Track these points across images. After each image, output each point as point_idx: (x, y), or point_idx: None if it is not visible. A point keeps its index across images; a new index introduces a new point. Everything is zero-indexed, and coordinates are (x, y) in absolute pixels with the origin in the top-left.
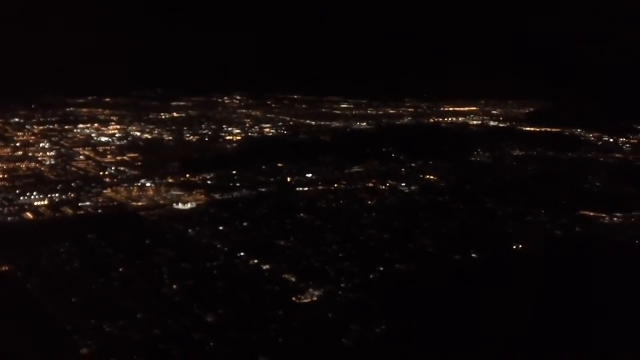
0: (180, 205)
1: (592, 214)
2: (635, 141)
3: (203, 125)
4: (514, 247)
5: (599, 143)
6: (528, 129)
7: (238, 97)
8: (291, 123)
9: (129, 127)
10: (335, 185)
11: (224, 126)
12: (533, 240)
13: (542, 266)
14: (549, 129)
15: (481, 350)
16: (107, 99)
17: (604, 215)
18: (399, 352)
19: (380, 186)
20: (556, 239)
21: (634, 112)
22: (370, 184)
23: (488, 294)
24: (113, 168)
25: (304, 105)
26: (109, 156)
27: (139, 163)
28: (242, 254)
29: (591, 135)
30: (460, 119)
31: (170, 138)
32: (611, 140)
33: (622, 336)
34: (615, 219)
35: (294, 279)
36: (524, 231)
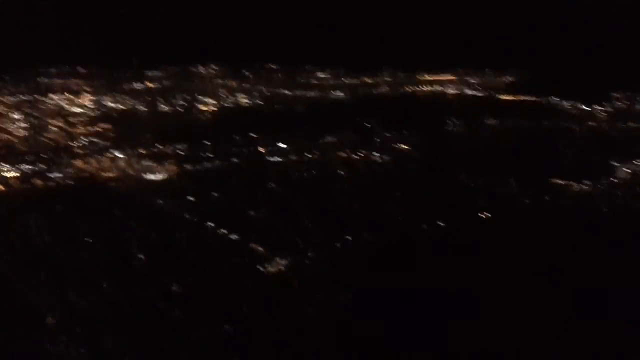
0: (150, 176)
1: (562, 182)
2: (611, 110)
3: (177, 96)
4: (482, 216)
5: (575, 112)
6: (505, 97)
7: (214, 67)
8: (267, 93)
9: (102, 98)
10: (308, 155)
11: (198, 96)
12: (501, 209)
13: (508, 235)
14: (525, 98)
15: (446, 318)
16: (81, 69)
17: (573, 183)
18: (361, 321)
19: (353, 156)
20: (524, 207)
21: (613, 78)
22: (343, 154)
23: (453, 264)
24: (85, 139)
25: (280, 75)
26: (80, 127)
27: (111, 134)
28: (210, 224)
29: (567, 103)
30: (437, 87)
31: (144, 109)
32: (588, 108)
33: (584, 307)
34: (585, 187)
35: (261, 249)
36: (492, 200)
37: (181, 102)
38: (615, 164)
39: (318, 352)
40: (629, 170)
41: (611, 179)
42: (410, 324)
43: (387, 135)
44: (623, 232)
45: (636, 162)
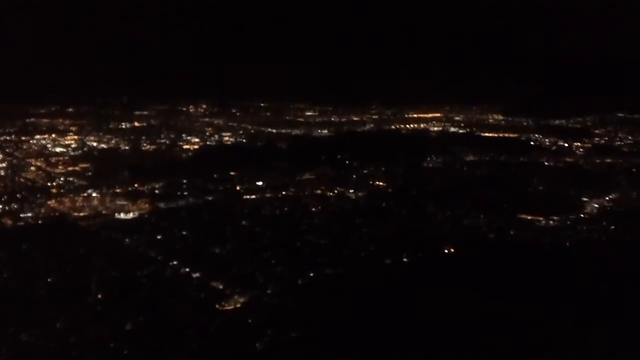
0: (122, 215)
1: (529, 217)
2: (589, 145)
3: (162, 134)
4: (446, 250)
5: (553, 148)
6: (486, 134)
7: (204, 106)
8: (252, 131)
9: (87, 137)
10: (283, 192)
11: (183, 135)
12: (466, 243)
13: (470, 268)
14: (506, 135)
15: (399, 353)
16: (70, 109)
17: (540, 218)
18: (309, 356)
19: (328, 193)
20: (488, 241)
21: (596, 116)
22: (319, 191)
23: (411, 296)
24: (62, 179)
25: (268, 113)
26: (60, 167)
27: (90, 173)
28: (174, 262)
29: (547, 139)
30: (422, 125)
31: (127, 148)
32: (566, 144)
33: (547, 333)
34: (552, 222)
35: (221, 286)
36: (458, 235)
37: (165, 141)
38: (585, 199)
39: None
40: (597, 205)
41: (580, 214)
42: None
43: (365, 171)
44: (584, 265)
45: (607, 198)
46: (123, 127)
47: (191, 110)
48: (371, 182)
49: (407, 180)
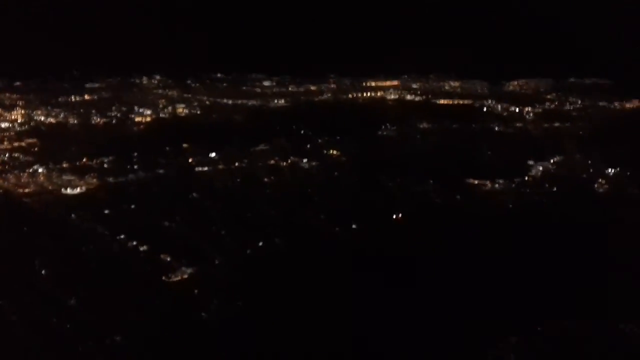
0: (69, 191)
1: (476, 182)
2: (539, 110)
3: (113, 108)
4: (394, 217)
5: (504, 114)
6: (441, 102)
7: (158, 77)
8: (207, 103)
9: (34, 112)
10: (237, 164)
11: (135, 108)
12: (413, 210)
13: (415, 234)
14: (461, 102)
15: (342, 322)
16: (17, 83)
17: (487, 182)
18: (255, 325)
19: (282, 163)
20: (435, 207)
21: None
22: (272, 162)
23: (359, 264)
24: (7, 155)
25: (225, 84)
26: (5, 142)
27: (36, 149)
28: (121, 236)
29: (499, 105)
30: (379, 93)
31: (76, 122)
32: (517, 110)
33: (486, 299)
34: (497, 185)
35: (168, 259)
36: (406, 202)
37: (116, 114)
38: (531, 162)
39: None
40: (541, 169)
41: (524, 177)
42: (313, 330)
43: (319, 141)
44: (527, 227)
45: (552, 161)
46: (72, 100)
47: (144, 82)
48: (325, 152)
49: (361, 149)
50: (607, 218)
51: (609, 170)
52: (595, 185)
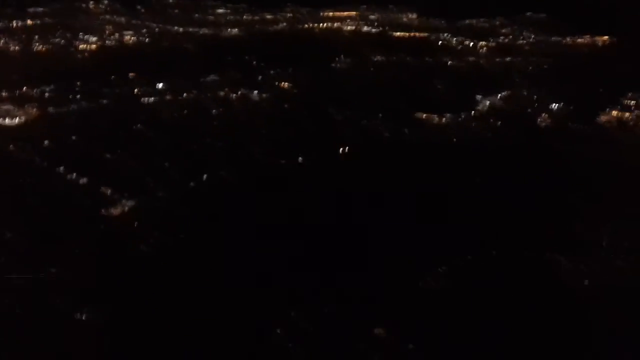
0: (7, 121)
1: (424, 116)
2: (493, 45)
3: (57, 34)
4: (340, 150)
5: (459, 47)
6: (398, 34)
7: (105, 1)
8: (156, 30)
9: None
10: (185, 95)
11: (80, 34)
12: (360, 143)
13: (361, 167)
14: (417, 34)
15: (289, 255)
16: None
17: (434, 116)
18: (195, 256)
19: (232, 95)
20: (382, 140)
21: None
22: (222, 93)
23: (302, 197)
24: None
25: (176, 10)
26: None
27: None
28: (61, 168)
29: (455, 39)
30: (336, 24)
31: (16, 48)
32: (471, 44)
33: (424, 229)
34: (444, 119)
35: (109, 192)
36: (354, 135)
37: (60, 41)
38: (479, 97)
39: (146, 291)
40: (488, 103)
41: (471, 111)
42: (255, 261)
43: (271, 72)
44: (468, 160)
45: (500, 95)
46: (13, 26)
47: (91, 7)
48: (277, 84)
49: (313, 82)
50: (546, 151)
51: (554, 105)
52: (539, 120)
